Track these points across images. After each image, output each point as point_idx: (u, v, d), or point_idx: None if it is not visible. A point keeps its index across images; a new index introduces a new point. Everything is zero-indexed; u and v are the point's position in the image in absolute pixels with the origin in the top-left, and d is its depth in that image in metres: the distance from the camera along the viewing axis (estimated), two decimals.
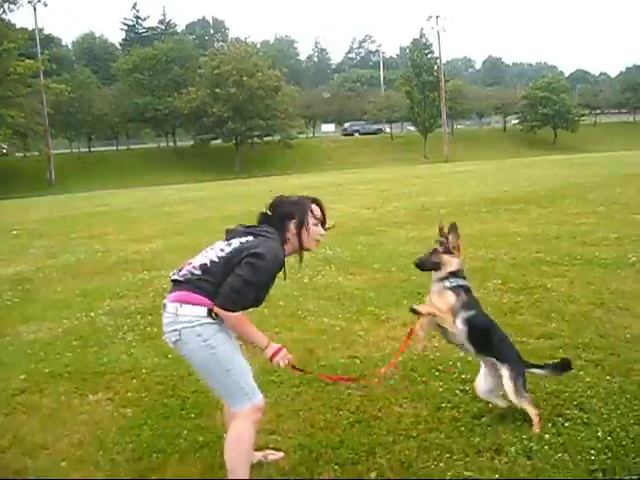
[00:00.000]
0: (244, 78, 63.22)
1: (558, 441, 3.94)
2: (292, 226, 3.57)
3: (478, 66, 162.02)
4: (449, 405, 4.54)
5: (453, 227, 4.33)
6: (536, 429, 4.06)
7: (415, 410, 4.50)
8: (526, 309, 6.85)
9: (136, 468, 3.95)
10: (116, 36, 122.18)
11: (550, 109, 75.91)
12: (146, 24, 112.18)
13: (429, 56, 71.60)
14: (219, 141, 69.01)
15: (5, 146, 59.89)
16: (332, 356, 5.67)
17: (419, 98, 70.02)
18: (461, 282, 4.25)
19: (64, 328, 7.31)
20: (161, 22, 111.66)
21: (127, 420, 4.66)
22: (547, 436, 4.00)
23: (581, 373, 4.98)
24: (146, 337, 6.68)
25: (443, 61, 72.51)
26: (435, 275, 4.27)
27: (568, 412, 4.33)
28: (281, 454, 3.94)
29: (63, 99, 60.95)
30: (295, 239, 3.58)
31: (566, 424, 4.16)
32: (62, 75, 67.21)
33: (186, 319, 3.35)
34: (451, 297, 4.16)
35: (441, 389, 4.83)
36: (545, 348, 5.60)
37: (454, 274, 4.23)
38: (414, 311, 4.18)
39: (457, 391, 4.77)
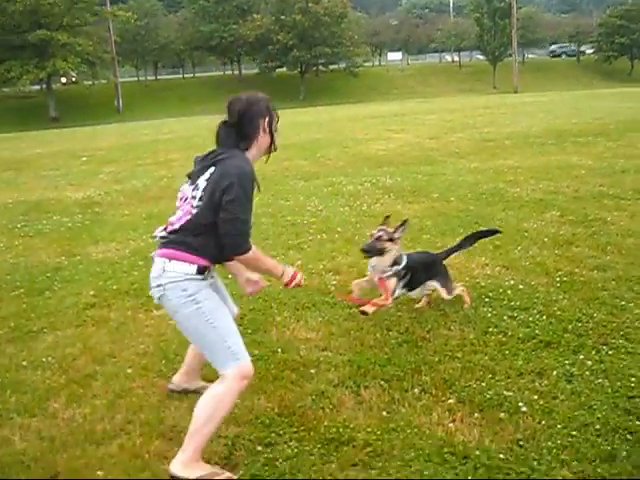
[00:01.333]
0: (309, 4, 62.27)
1: (600, 367, 4.04)
2: (265, 124, 3.36)
3: None
4: (496, 330, 4.66)
5: (405, 224, 4.84)
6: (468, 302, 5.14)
7: (462, 333, 4.64)
8: (582, 241, 6.84)
9: None
10: None
11: (628, 38, 72.29)
12: None
13: None
14: (284, 69, 68.55)
15: (74, 74, 60.90)
16: None
17: (489, 25, 67.87)
18: (400, 266, 4.81)
19: (130, 249, 7.66)
20: None
21: None
22: (589, 362, 4.10)
23: (631, 305, 5.03)
24: None
25: None
26: (378, 263, 4.78)
27: (613, 341, 4.41)
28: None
29: (130, 27, 61.43)
30: (266, 138, 3.37)
31: (610, 352, 4.24)
32: (128, 3, 67.35)
33: (172, 275, 3.18)
34: (393, 283, 4.78)
35: (489, 314, 4.94)
36: (597, 280, 5.63)
37: (396, 262, 4.77)
38: (363, 313, 4.65)
39: (505, 317, 4.88)
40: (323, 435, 3.45)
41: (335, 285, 5.76)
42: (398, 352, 4.37)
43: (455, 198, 9.18)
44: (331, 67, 69.25)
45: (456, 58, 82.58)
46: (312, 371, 4.15)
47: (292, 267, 3.57)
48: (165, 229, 3.33)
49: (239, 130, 3.31)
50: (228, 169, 3.17)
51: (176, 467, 3.13)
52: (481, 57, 76.63)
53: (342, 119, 28.25)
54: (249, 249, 3.21)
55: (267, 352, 4.48)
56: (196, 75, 76.67)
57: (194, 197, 3.22)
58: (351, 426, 3.51)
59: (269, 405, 3.78)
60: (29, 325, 5.42)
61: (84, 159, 18.24)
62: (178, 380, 3.97)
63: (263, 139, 3.37)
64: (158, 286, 3.23)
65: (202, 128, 25.87)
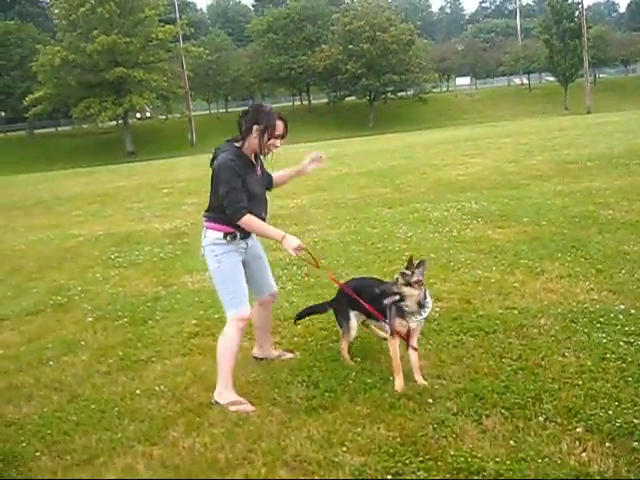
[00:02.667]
0: (377, 33, 62.86)
1: None
2: (255, 130, 4.38)
3: (623, 9, 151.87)
4: (614, 356, 4.50)
5: (422, 263, 4.36)
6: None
7: (579, 360, 4.50)
8: None
9: (310, 405, 4.19)
10: None
11: None
12: None
13: (569, 1, 67.90)
14: (353, 98, 69.14)
15: (149, 109, 62.87)
16: (489, 307, 5.71)
17: (559, 47, 66.94)
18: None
19: None
20: None
21: (296, 362, 4.94)
22: None
23: None
24: (304, 287, 6.98)
25: (585, 6, 68.49)
26: (408, 308, 4.37)
27: None
28: (292, 355, 5.11)
29: (201, 62, 63.08)
30: (255, 142, 4.42)
31: None
32: (199, 39, 69.25)
33: (208, 240, 4.49)
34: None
35: (604, 340, 4.77)
36: None
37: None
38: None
39: (621, 343, 4.70)
40: (450, 465, 3.38)
41: (439, 312, 5.67)
42: (515, 380, 4.26)
43: (546, 222, 8.97)
44: (400, 94, 69.49)
45: (525, 81, 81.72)
46: (429, 400, 4.08)
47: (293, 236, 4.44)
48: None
49: (240, 125, 4.48)
50: (216, 161, 4.42)
51: (216, 394, 4.45)
52: (551, 78, 75.59)
53: (415, 145, 28.17)
54: (242, 215, 4.32)
55: (378, 380, 4.43)
56: None
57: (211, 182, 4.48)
58: (478, 455, 3.43)
59: (390, 434, 3.73)
60: (137, 354, 5.54)
61: (165, 191, 18.71)
62: (256, 352, 5.16)
63: (253, 140, 4.44)
64: (202, 247, 4.54)
65: (276, 159, 26.23)
